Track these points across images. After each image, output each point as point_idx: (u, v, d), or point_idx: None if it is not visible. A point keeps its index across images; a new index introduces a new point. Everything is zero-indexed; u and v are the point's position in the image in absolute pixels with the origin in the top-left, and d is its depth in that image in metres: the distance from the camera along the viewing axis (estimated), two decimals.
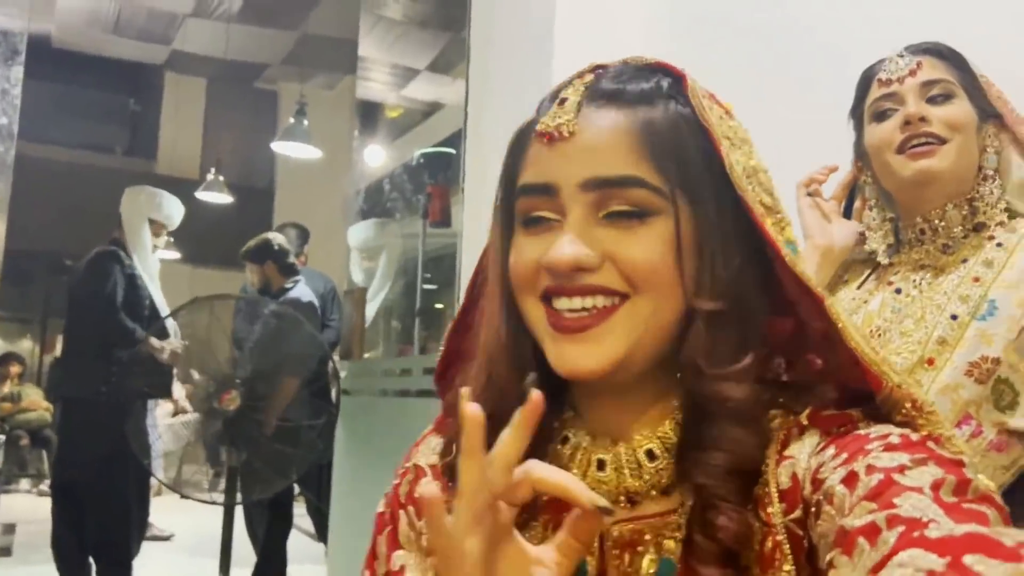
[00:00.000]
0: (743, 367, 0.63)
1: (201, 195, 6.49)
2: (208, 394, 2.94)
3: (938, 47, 1.22)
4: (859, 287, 1.27)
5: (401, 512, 0.75)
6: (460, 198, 2.58)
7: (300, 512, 4.28)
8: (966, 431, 1.09)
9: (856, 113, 1.30)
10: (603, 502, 0.54)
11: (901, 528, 0.49)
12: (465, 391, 0.55)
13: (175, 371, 3.59)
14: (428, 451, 0.76)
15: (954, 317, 1.11)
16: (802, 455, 0.62)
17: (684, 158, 0.63)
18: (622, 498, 0.66)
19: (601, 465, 0.67)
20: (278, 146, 6.38)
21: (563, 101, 0.65)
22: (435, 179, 3.80)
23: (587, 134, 0.63)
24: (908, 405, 0.63)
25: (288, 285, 3.78)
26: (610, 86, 0.65)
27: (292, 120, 6.02)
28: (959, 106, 1.18)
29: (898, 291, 1.20)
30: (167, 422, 4.63)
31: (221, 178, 6.59)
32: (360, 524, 3.10)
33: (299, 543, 4.27)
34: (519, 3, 2.36)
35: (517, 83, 2.31)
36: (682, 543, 0.64)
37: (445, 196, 3.77)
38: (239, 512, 3.17)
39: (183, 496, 2.96)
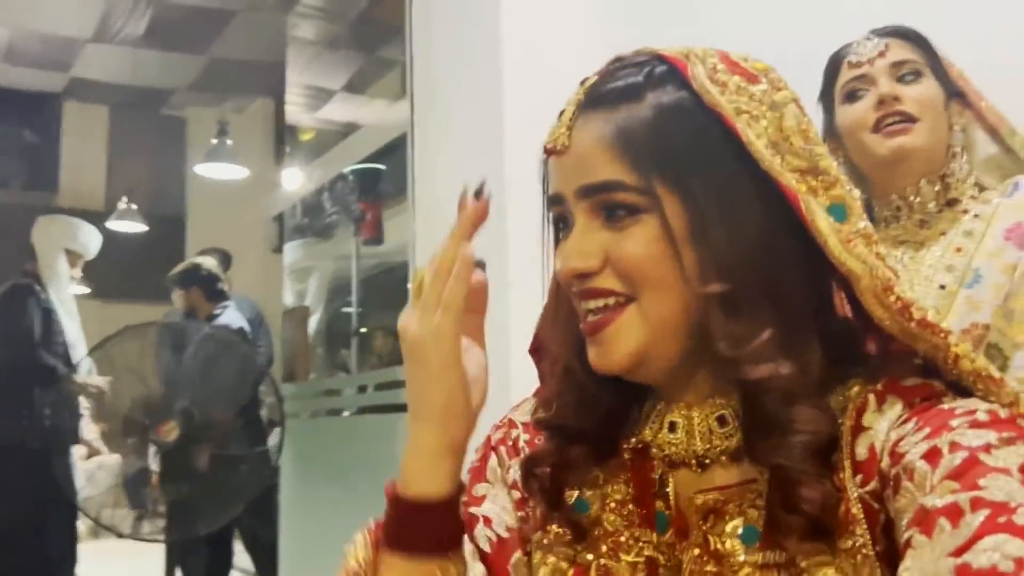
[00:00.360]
0: (760, 343, 0.62)
1: (113, 224, 6.23)
2: (143, 427, 2.79)
3: (903, 29, 1.26)
4: None
5: (492, 453, 0.80)
6: (398, 217, 2.54)
7: (237, 549, 4.10)
8: None
9: (826, 97, 1.32)
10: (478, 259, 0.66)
11: (987, 511, 0.48)
12: (466, 187, 0.68)
13: (85, 411, 3.44)
14: (524, 411, 0.82)
15: (942, 287, 1.15)
16: (882, 426, 0.61)
17: (669, 148, 0.64)
18: (693, 461, 0.68)
19: (673, 427, 0.69)
20: (201, 168, 6.20)
21: (561, 114, 0.69)
22: (366, 196, 3.74)
23: (575, 146, 0.67)
24: (954, 372, 0.62)
25: (216, 311, 3.66)
26: (598, 91, 0.68)
27: (215, 141, 5.87)
28: (928, 85, 1.22)
29: None
30: (83, 466, 4.41)
31: (134, 206, 6.34)
32: (312, 549, 3.01)
33: None
34: (460, 16, 2.34)
35: (462, 97, 2.29)
36: (764, 511, 0.63)
37: (377, 212, 3.71)
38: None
39: (120, 536, 2.80)
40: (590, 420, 0.72)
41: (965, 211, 1.22)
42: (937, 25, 1.30)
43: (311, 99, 5.43)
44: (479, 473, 0.80)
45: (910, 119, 1.21)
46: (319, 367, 3.66)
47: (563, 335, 0.73)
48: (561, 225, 0.71)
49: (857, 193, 0.68)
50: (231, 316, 3.67)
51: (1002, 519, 0.47)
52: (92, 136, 8.87)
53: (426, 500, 0.66)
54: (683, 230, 0.63)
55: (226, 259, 4.47)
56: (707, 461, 0.68)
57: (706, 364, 0.67)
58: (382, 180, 3.60)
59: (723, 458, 0.67)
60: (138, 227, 6.47)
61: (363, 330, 3.50)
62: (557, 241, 0.72)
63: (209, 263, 3.77)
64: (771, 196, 0.63)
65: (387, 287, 3.46)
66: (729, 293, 0.62)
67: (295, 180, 4.48)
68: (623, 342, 0.65)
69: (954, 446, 0.54)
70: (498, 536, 0.75)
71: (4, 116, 8.74)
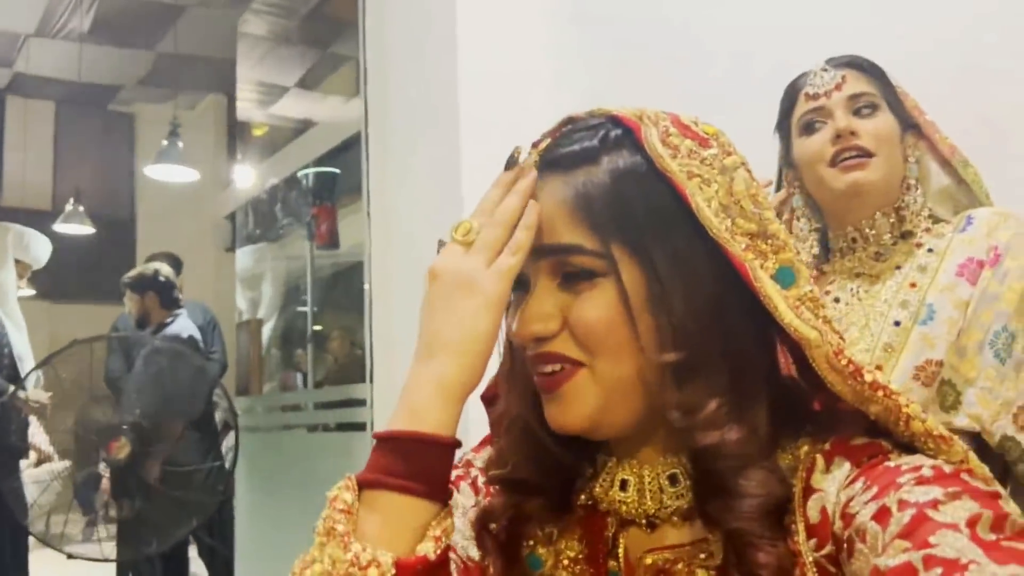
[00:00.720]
0: (710, 412, 0.62)
1: (60, 227, 6.08)
2: (91, 444, 2.72)
3: (858, 60, 1.26)
4: None
5: (452, 488, 0.73)
6: (352, 217, 2.51)
7: (191, 555, 4.04)
8: None
9: (783, 126, 1.32)
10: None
11: (939, 570, 0.48)
12: (517, 148, 0.70)
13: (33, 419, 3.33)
14: (482, 459, 0.79)
15: (897, 323, 1.15)
16: (831, 488, 0.61)
17: (626, 213, 0.64)
18: (643, 520, 0.67)
19: (624, 485, 0.68)
20: (152, 170, 6.05)
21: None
22: (319, 200, 3.68)
23: (541, 204, 0.66)
24: (905, 434, 0.62)
25: (168, 320, 3.58)
26: (555, 153, 0.68)
27: (165, 142, 5.72)
28: (884, 118, 1.23)
29: (836, 300, 1.23)
30: (32, 473, 4.30)
31: (81, 208, 6.19)
32: (267, 563, 2.97)
33: None
34: (414, 14, 2.31)
35: (417, 97, 2.26)
36: (714, 570, 0.63)
37: (332, 217, 3.65)
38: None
39: (70, 556, 2.73)
40: (546, 475, 0.71)
41: (919, 244, 1.22)
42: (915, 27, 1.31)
43: (264, 95, 5.33)
44: None
45: (866, 154, 1.21)
46: (273, 373, 3.60)
47: (519, 390, 0.71)
48: (516, 285, 0.67)
49: (804, 256, 0.68)
50: (182, 324, 3.58)
51: None
52: (37, 133, 8.63)
53: (439, 439, 0.61)
54: (640, 296, 0.63)
55: (177, 264, 4.39)
56: (657, 521, 0.67)
57: (659, 425, 0.67)
58: (337, 183, 3.55)
59: (674, 518, 0.66)
60: (85, 229, 6.31)
61: (317, 328, 3.45)
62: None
63: (166, 270, 3.68)
64: (721, 261, 0.63)
65: (342, 288, 3.41)
66: (683, 361, 0.62)
67: (248, 178, 4.40)
68: (579, 403, 0.64)
69: (902, 504, 0.53)
70: (463, 563, 0.73)
71: None
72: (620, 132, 0.66)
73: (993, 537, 0.50)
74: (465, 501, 0.77)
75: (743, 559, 0.60)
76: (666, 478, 0.67)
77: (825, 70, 1.25)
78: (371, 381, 2.23)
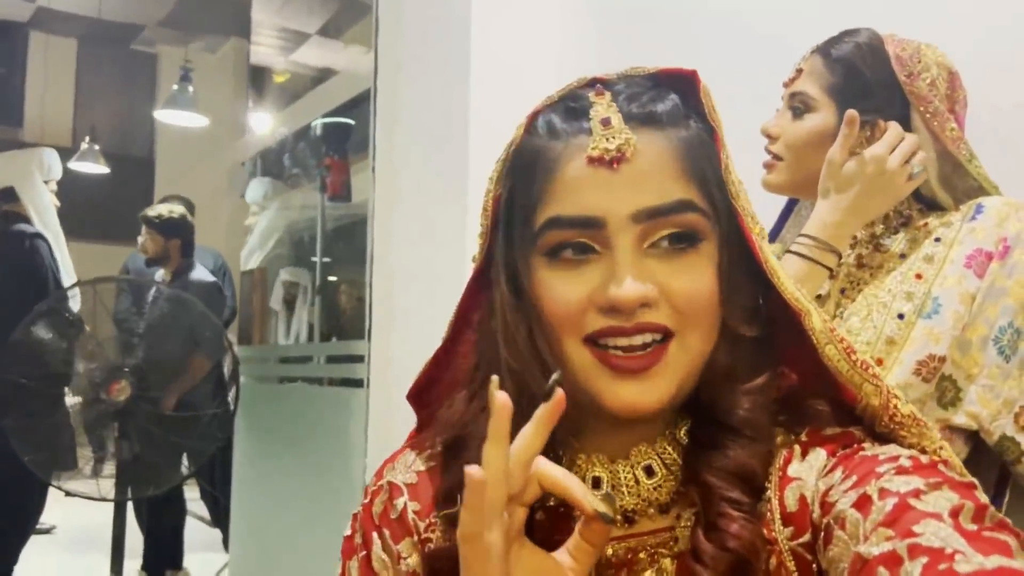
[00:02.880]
0: (758, 385, 0.63)
1: (75, 165, 6.08)
2: (94, 384, 2.73)
3: (829, 47, 1.21)
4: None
5: (375, 534, 0.69)
6: (367, 172, 2.47)
7: (192, 497, 4.10)
8: None
9: None
10: (603, 507, 0.53)
11: (925, 559, 0.48)
12: (495, 379, 0.53)
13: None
14: (404, 468, 0.72)
15: (901, 316, 1.11)
16: (809, 477, 0.61)
17: (715, 179, 0.63)
18: (619, 517, 0.64)
19: (597, 483, 0.65)
20: (161, 114, 6.04)
21: (607, 121, 0.61)
22: (333, 151, 3.64)
23: (638, 159, 0.60)
24: (886, 418, 0.62)
25: (185, 267, 3.62)
26: (638, 109, 0.62)
27: (176, 87, 5.69)
28: (809, 121, 1.20)
29: (842, 291, 1.20)
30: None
31: (96, 147, 6.18)
32: (262, 511, 3.00)
33: (193, 529, 4.09)
34: None
35: (429, 52, 2.22)
36: (677, 559, 0.62)
37: (344, 169, 3.62)
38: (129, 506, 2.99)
39: (68, 494, 2.76)
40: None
41: (924, 226, 1.17)
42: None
43: (285, 42, 5.27)
44: (366, 565, 0.69)
45: (776, 156, 1.23)
46: (277, 327, 3.60)
47: (532, 357, 0.64)
48: (565, 253, 0.61)
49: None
50: (202, 271, 3.64)
51: (943, 566, 0.47)
52: (59, 69, 8.61)
53: None
54: (725, 263, 0.63)
55: (191, 207, 4.39)
56: (635, 516, 0.65)
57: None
58: (352, 134, 3.51)
59: (651, 510, 0.65)
60: (100, 168, 6.30)
61: (332, 278, 3.44)
62: (513, 271, 0.64)
63: (189, 217, 3.71)
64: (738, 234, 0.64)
65: (355, 241, 3.39)
66: (741, 330, 0.63)
67: (266, 125, 4.37)
68: (669, 379, 0.61)
69: (884, 492, 0.53)
70: None
71: None
72: (685, 92, 0.64)
73: (975, 527, 0.50)
74: (390, 558, 0.68)
75: (715, 526, 0.58)
76: (642, 469, 0.65)
77: (803, 57, 1.24)
78: (369, 339, 2.22)
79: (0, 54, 8.63)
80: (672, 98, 0.64)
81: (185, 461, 3.03)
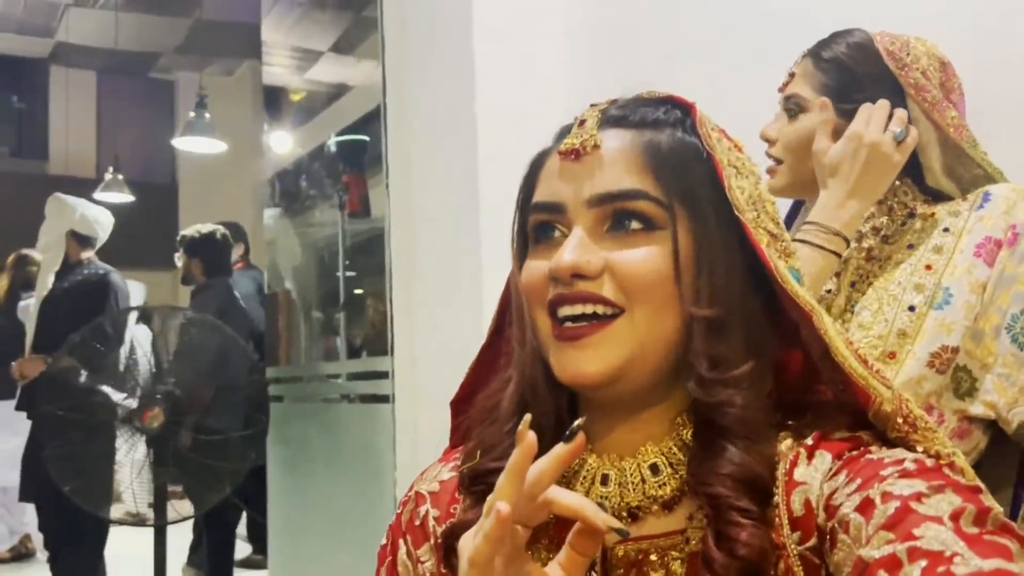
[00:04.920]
0: (743, 372, 0.64)
1: (100, 196, 6.17)
2: (128, 412, 2.78)
3: (820, 49, 1.22)
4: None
5: (400, 540, 0.76)
6: (382, 187, 2.50)
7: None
8: None
9: None
10: (618, 524, 0.55)
11: (924, 562, 0.49)
12: (527, 419, 0.56)
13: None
14: (430, 478, 0.78)
15: (912, 308, 1.10)
16: (814, 481, 0.61)
17: (686, 176, 0.67)
18: (624, 514, 0.66)
19: (605, 480, 0.68)
20: (180, 142, 6.11)
21: (582, 123, 0.69)
22: (350, 168, 3.67)
23: (595, 154, 0.67)
24: (899, 420, 0.63)
25: (209, 286, 3.69)
26: (619, 112, 0.69)
27: (192, 114, 5.76)
28: (804, 121, 1.21)
29: (852, 284, 1.19)
30: None
31: (120, 177, 6.28)
32: (298, 528, 3.03)
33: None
34: None
35: (434, 64, 2.23)
36: (687, 561, 0.63)
37: (362, 185, 3.64)
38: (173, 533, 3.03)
39: (110, 522, 2.81)
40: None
41: (933, 216, 1.17)
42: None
43: (298, 61, 5.33)
44: (392, 570, 0.76)
45: (776, 160, 1.24)
46: (306, 344, 3.63)
47: (526, 356, 0.70)
48: (538, 235, 0.69)
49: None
50: (220, 292, 3.69)
51: (941, 569, 0.48)
52: (80, 102, 8.77)
53: None
54: (689, 252, 0.65)
55: (239, 232, 4.43)
56: (640, 512, 0.66)
57: (665, 394, 0.68)
58: (367, 151, 3.53)
59: (655, 507, 0.66)
60: (125, 197, 6.41)
61: (357, 291, 3.46)
62: (523, 251, 0.71)
63: (218, 236, 3.79)
64: (745, 243, 0.67)
65: (376, 255, 3.41)
66: (717, 318, 0.65)
67: (285, 144, 4.41)
68: (612, 350, 0.64)
69: (886, 496, 0.54)
70: None
71: None
72: (679, 112, 0.70)
73: (976, 531, 0.51)
74: (411, 562, 0.74)
75: (725, 535, 0.60)
76: (647, 468, 0.67)
77: (795, 62, 1.25)
78: (392, 354, 2.24)
79: (22, 90, 8.81)
80: (664, 110, 0.70)
81: (223, 482, 3.06)
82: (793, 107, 1.22)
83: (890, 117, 1.14)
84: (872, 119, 1.13)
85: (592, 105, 0.72)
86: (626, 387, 0.66)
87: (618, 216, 0.66)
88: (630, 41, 1.99)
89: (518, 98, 2.02)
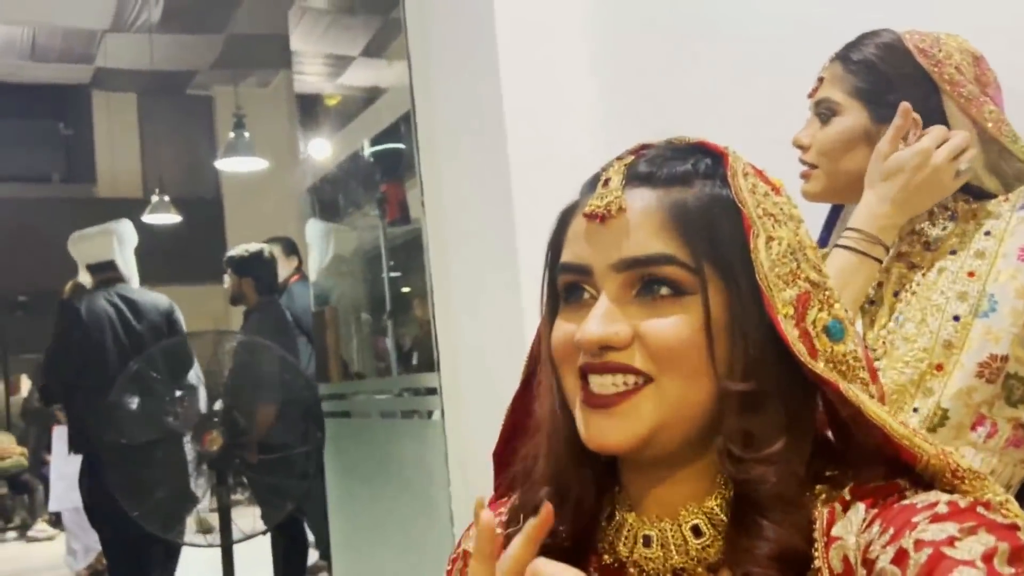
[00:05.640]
0: (777, 451, 0.62)
1: (148, 218, 6.32)
2: (188, 437, 2.85)
3: (848, 53, 1.19)
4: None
5: None
6: (417, 192, 2.50)
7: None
8: (982, 432, 1.06)
9: None
10: None
11: None
12: (480, 499, 0.57)
13: None
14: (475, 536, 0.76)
15: (956, 318, 1.07)
16: (849, 535, 0.60)
17: (716, 237, 0.64)
18: (669, 575, 0.65)
19: (648, 541, 0.67)
20: (222, 163, 6.21)
21: (607, 182, 0.67)
22: (387, 177, 3.69)
23: (620, 217, 0.65)
24: (948, 475, 0.61)
25: (258, 305, 3.72)
26: (646, 169, 0.67)
27: (232, 135, 5.85)
28: (836, 125, 1.18)
29: (895, 294, 1.16)
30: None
31: (166, 198, 6.42)
32: (360, 537, 3.09)
33: None
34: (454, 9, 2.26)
35: (461, 67, 2.23)
36: None
37: (400, 192, 3.66)
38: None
39: (181, 544, 2.88)
40: (569, 525, 0.69)
41: (975, 219, 1.13)
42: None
43: (330, 67, 5.36)
44: None
45: (810, 165, 1.21)
46: (357, 360, 3.66)
47: (555, 421, 0.69)
48: (567, 296, 0.68)
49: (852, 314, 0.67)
50: (272, 311, 3.70)
51: None
52: (123, 124, 8.97)
53: None
54: (721, 319, 0.63)
55: (291, 247, 4.38)
56: (685, 574, 0.65)
57: (703, 454, 0.66)
58: (403, 158, 3.54)
59: (700, 569, 0.65)
60: (172, 218, 6.54)
61: (405, 290, 3.48)
62: (554, 311, 0.69)
63: (268, 252, 3.76)
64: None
65: (416, 258, 3.42)
66: (751, 392, 0.62)
67: (323, 151, 4.45)
68: (639, 419, 0.63)
69: (919, 544, 0.53)
70: None
71: (37, 111, 8.87)
72: (710, 161, 0.67)
73: (1011, 571, 0.50)
74: None
75: None
76: (689, 529, 0.65)
77: (823, 67, 1.22)
78: (438, 369, 2.26)
79: (67, 117, 9.04)
80: (694, 162, 0.67)
81: (285, 498, 3.12)
82: (825, 111, 1.19)
83: (914, 124, 1.12)
84: (947, 145, 1.10)
85: (618, 158, 0.69)
86: (657, 451, 0.65)
87: (646, 282, 0.64)
88: (655, 34, 1.96)
89: (545, 97, 1.99)
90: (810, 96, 1.23)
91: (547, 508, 0.56)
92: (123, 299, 3.43)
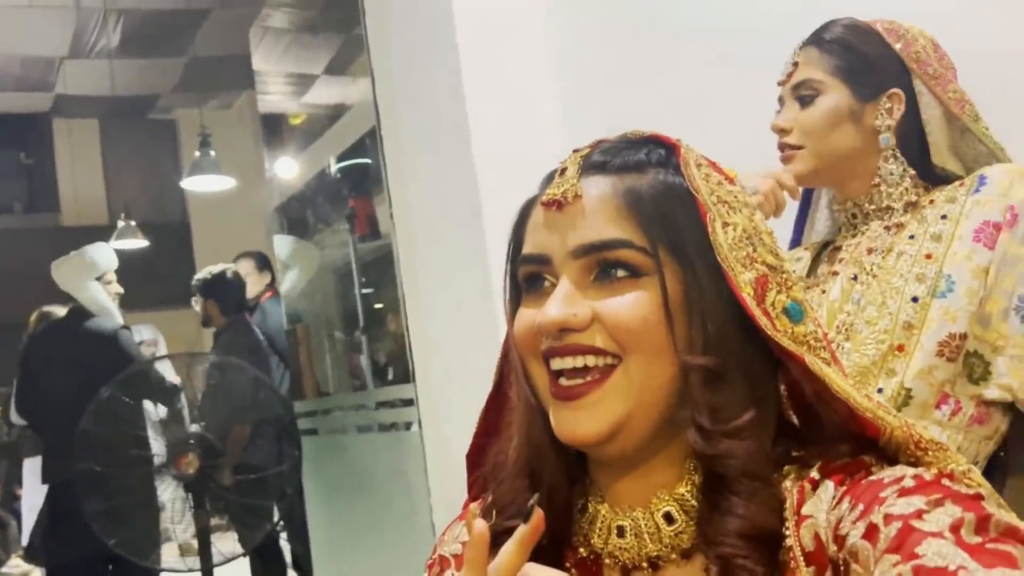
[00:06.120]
0: (744, 423, 0.63)
1: (116, 244, 6.24)
2: (163, 460, 2.82)
3: (820, 35, 1.23)
4: (808, 274, 1.27)
5: None
6: (386, 207, 2.50)
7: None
8: (946, 410, 1.08)
9: None
10: None
11: None
12: (474, 508, 0.58)
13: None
14: (451, 539, 0.78)
15: (915, 299, 1.10)
16: (820, 513, 0.61)
17: (670, 221, 0.66)
18: (644, 564, 0.66)
19: (621, 531, 0.67)
20: (188, 183, 6.16)
21: (563, 171, 0.69)
22: (354, 192, 3.68)
23: (577, 204, 0.66)
24: (912, 446, 0.62)
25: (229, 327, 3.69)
26: (600, 158, 0.68)
27: (198, 153, 5.81)
28: (820, 104, 1.21)
29: (854, 278, 1.19)
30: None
31: (132, 223, 6.36)
32: (342, 554, 3.07)
33: None
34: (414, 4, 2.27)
35: (424, 81, 2.24)
36: None
37: (369, 207, 3.66)
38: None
39: (159, 571, 2.85)
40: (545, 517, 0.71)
41: (932, 204, 1.17)
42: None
43: (294, 87, 5.35)
44: None
45: (795, 147, 1.23)
46: (332, 375, 3.64)
47: (526, 414, 0.70)
48: (528, 286, 0.69)
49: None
50: (240, 333, 3.67)
51: None
52: (85, 150, 8.87)
53: None
54: (679, 299, 0.65)
55: (264, 262, 4.31)
56: (660, 562, 0.66)
57: (671, 440, 0.67)
58: (369, 173, 3.54)
59: (673, 555, 0.66)
60: (140, 243, 6.48)
61: (378, 305, 3.47)
62: (516, 302, 0.71)
63: (232, 272, 3.73)
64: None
65: (387, 272, 3.41)
66: (715, 367, 0.64)
67: (289, 170, 4.44)
68: (610, 407, 0.64)
69: (888, 518, 0.54)
70: None
71: None
72: (663, 151, 0.69)
73: (978, 540, 0.51)
74: None
75: None
76: (661, 517, 0.66)
77: (793, 52, 1.24)
78: (414, 380, 2.26)
79: (28, 146, 8.92)
80: (647, 152, 0.69)
81: (263, 518, 3.10)
82: (808, 92, 1.21)
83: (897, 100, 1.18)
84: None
85: (575, 151, 0.71)
86: (627, 441, 0.65)
87: (603, 266, 0.65)
88: (617, 39, 1.98)
89: (508, 106, 2.00)
90: (783, 83, 1.25)
91: (538, 514, 0.57)
92: (71, 328, 3.39)
